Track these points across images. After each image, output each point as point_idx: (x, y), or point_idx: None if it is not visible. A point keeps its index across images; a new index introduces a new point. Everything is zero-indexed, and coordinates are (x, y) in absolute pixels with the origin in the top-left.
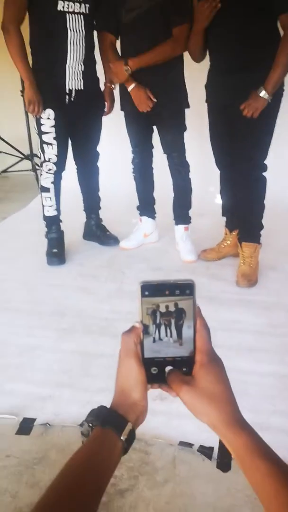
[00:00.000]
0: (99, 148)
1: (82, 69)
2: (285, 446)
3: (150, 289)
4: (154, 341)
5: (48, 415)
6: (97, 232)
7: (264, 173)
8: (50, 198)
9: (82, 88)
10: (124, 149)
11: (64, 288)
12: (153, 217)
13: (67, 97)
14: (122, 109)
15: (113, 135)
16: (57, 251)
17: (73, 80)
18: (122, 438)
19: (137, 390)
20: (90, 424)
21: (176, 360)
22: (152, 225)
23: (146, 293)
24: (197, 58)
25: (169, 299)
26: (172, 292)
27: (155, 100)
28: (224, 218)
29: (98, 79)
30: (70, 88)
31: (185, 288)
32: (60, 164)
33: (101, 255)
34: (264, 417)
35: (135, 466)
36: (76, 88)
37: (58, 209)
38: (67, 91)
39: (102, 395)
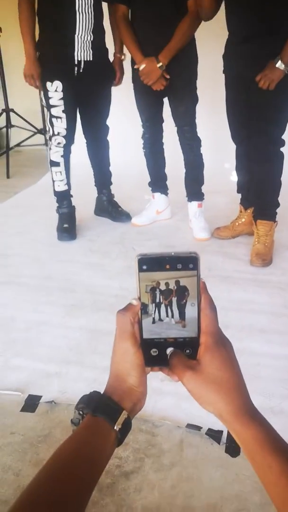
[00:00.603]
0: (110, 122)
1: (91, 39)
2: None
3: (149, 263)
4: (153, 321)
5: (54, 392)
6: (108, 207)
7: (281, 149)
8: (60, 172)
9: (91, 59)
10: (135, 123)
11: (74, 264)
12: (166, 194)
13: (76, 68)
14: (133, 82)
15: (124, 108)
16: (68, 227)
17: (82, 51)
18: (115, 428)
19: (134, 375)
20: (81, 412)
21: (179, 341)
22: (164, 201)
23: (144, 267)
24: (208, 14)
25: (170, 274)
26: (174, 267)
27: (168, 77)
28: (239, 195)
29: (107, 49)
30: (79, 59)
31: (188, 262)
32: (70, 137)
33: (113, 231)
34: (276, 401)
35: (141, 448)
36: (85, 59)
37: (68, 184)
38: (76, 62)
39: None
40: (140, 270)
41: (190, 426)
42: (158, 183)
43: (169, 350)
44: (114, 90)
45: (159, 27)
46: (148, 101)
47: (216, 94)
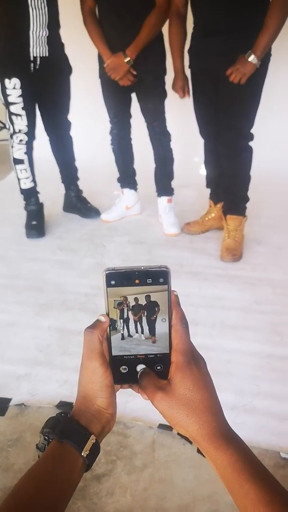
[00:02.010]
0: (77, 117)
1: (47, 34)
2: (270, 430)
3: (117, 278)
4: (123, 338)
5: (24, 395)
6: (77, 204)
7: (250, 143)
8: (25, 169)
9: (47, 54)
10: (103, 117)
11: (43, 262)
12: (135, 189)
13: (31, 64)
14: (100, 77)
15: (92, 103)
16: (36, 224)
17: (38, 47)
18: (83, 454)
19: (103, 396)
20: (46, 437)
21: (149, 358)
22: (134, 197)
23: (112, 282)
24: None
25: (139, 289)
26: (143, 281)
27: (135, 73)
28: (209, 190)
29: (62, 44)
30: (35, 55)
31: (159, 276)
32: (31, 134)
33: (82, 228)
34: (248, 399)
35: (113, 450)
36: (41, 55)
37: (34, 181)
38: (32, 59)
39: None
40: (108, 285)
41: (162, 426)
42: (127, 178)
43: (140, 367)
44: (81, 84)
45: (127, 21)
46: (116, 97)
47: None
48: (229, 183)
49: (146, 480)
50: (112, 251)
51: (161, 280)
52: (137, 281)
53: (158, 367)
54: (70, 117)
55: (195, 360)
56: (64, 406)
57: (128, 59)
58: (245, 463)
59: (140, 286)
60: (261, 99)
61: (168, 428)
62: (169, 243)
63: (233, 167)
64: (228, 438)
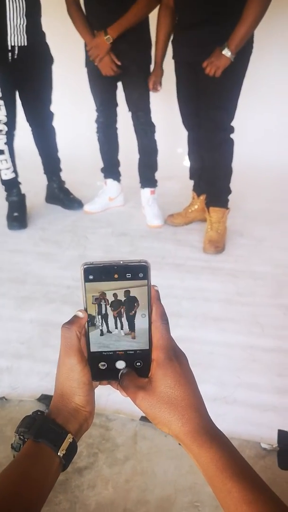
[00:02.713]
0: (61, 106)
1: (25, 23)
2: (251, 421)
3: (95, 272)
4: (101, 334)
5: (5, 388)
6: (60, 195)
7: (231, 135)
8: (6, 160)
9: (26, 44)
10: (86, 107)
11: (24, 254)
12: (118, 180)
13: (9, 54)
14: (86, 66)
15: (76, 92)
16: (18, 215)
17: (15, 36)
18: (59, 454)
19: (80, 394)
20: (22, 436)
21: (129, 354)
22: (117, 188)
23: (90, 277)
24: None
25: (118, 284)
26: (122, 276)
27: (119, 63)
28: (192, 182)
29: (43, 33)
30: (13, 44)
31: (138, 271)
32: (11, 124)
33: (64, 219)
34: (229, 391)
35: (95, 443)
36: (19, 44)
37: (15, 171)
38: (10, 48)
39: None
40: (86, 280)
41: (144, 418)
42: (111, 168)
43: (119, 364)
44: (65, 72)
45: (112, 9)
46: (102, 85)
47: (170, 79)
48: (211, 175)
49: (128, 472)
50: (95, 242)
51: (141, 275)
52: (116, 276)
53: (138, 364)
54: (53, 107)
55: (176, 357)
56: (45, 399)
57: (107, 36)
58: (229, 461)
59: (119, 281)
60: (242, 91)
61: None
62: (152, 235)
63: (214, 159)
64: (212, 436)
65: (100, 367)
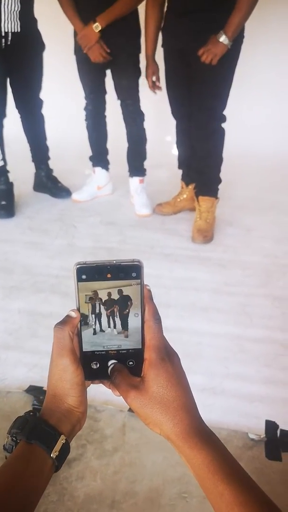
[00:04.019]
0: (50, 93)
1: (19, 9)
2: (239, 411)
3: (88, 272)
4: (94, 333)
5: None
6: (48, 183)
7: (222, 125)
8: None
9: (19, 30)
10: (75, 95)
11: (12, 243)
12: (107, 168)
13: (3, 40)
14: (75, 53)
15: (64, 79)
16: (5, 204)
17: (9, 22)
18: (52, 455)
19: (73, 395)
20: (14, 438)
21: (121, 353)
22: (106, 176)
23: (83, 276)
24: None
25: (111, 283)
26: (115, 276)
27: (108, 50)
28: (181, 171)
29: (35, 20)
30: (6, 30)
31: (131, 271)
32: (1, 111)
33: (52, 207)
34: (217, 381)
35: (83, 434)
36: (13, 31)
37: (4, 159)
38: (3, 34)
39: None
40: (79, 279)
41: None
42: (99, 156)
43: (111, 363)
44: (54, 59)
45: None
46: (91, 73)
47: (160, 66)
48: (201, 164)
49: (116, 464)
50: (83, 231)
51: (134, 274)
52: (109, 276)
53: (130, 363)
54: (41, 95)
55: (168, 357)
56: (34, 390)
57: (96, 24)
58: (221, 463)
59: (112, 281)
60: (233, 81)
61: None
62: (141, 224)
63: (205, 148)
64: (204, 437)
65: (93, 366)
